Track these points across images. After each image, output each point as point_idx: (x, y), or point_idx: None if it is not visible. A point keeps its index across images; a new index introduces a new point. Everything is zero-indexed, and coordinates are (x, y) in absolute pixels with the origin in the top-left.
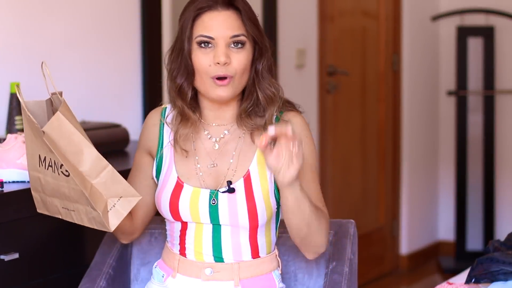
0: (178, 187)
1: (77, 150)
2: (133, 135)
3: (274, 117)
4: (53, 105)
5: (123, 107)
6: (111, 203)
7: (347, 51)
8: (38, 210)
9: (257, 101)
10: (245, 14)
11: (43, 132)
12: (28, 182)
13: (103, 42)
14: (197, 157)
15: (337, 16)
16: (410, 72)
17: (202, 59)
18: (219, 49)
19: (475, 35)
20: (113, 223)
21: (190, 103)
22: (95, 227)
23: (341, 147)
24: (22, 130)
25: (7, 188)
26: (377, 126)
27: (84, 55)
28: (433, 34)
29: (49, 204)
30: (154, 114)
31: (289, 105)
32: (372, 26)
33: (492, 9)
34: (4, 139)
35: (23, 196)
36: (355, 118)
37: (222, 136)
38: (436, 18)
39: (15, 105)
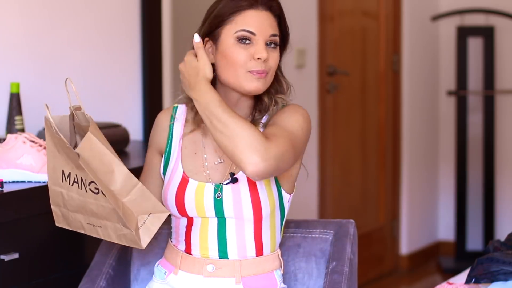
0: (184, 182)
1: (109, 170)
2: (133, 135)
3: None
4: (74, 119)
5: (123, 107)
6: (141, 220)
7: (347, 51)
8: (57, 224)
9: (271, 97)
10: (280, 20)
11: (78, 155)
12: (28, 182)
13: (103, 42)
14: (205, 155)
15: (337, 16)
16: (410, 72)
17: (241, 54)
18: (259, 45)
19: (475, 35)
20: (144, 240)
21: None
22: (125, 244)
23: (341, 147)
24: (22, 130)
25: (7, 188)
26: (377, 126)
27: (84, 55)
28: (433, 34)
29: (71, 219)
30: (165, 112)
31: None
32: (372, 26)
33: (492, 9)
34: (4, 139)
35: (23, 196)
36: (355, 118)
37: None
38: (436, 18)
39: (15, 105)
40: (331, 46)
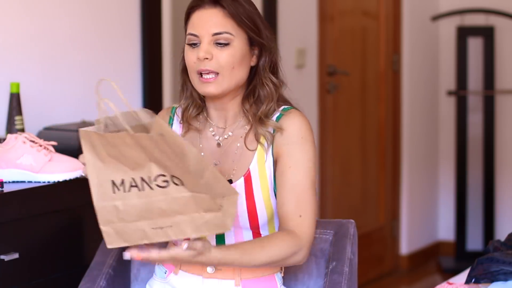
0: None
1: (182, 153)
2: None
3: (276, 115)
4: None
5: (123, 107)
6: (218, 203)
7: (347, 51)
8: (109, 246)
9: (259, 99)
10: (233, 11)
11: (162, 135)
12: (28, 182)
13: (103, 42)
14: (202, 154)
15: (337, 16)
16: (410, 72)
17: (189, 56)
18: (201, 45)
19: (475, 35)
20: (228, 223)
21: (195, 102)
22: (206, 233)
23: (341, 147)
24: (22, 130)
25: (7, 188)
26: (377, 126)
27: (84, 55)
28: (433, 34)
29: (130, 232)
30: (163, 113)
31: (284, 103)
32: (372, 26)
33: (492, 9)
34: (4, 139)
35: (23, 196)
36: (355, 118)
37: (226, 137)
38: (436, 18)
39: (15, 105)
40: (331, 46)
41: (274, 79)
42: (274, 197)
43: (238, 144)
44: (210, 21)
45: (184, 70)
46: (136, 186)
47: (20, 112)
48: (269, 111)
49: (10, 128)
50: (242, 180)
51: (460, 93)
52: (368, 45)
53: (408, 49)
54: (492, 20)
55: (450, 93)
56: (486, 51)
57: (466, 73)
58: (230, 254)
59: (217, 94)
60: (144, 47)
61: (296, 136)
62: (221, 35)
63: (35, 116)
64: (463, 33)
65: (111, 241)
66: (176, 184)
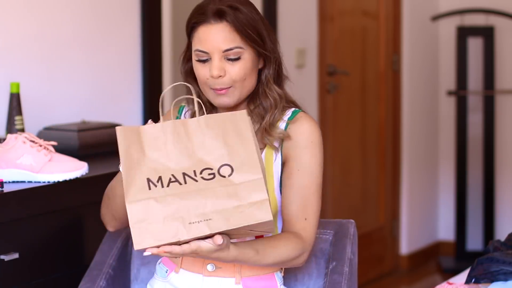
0: None
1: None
2: None
3: (285, 121)
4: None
5: (123, 107)
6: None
7: (347, 51)
8: (137, 247)
9: (262, 106)
10: (239, 25)
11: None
12: (29, 182)
13: (103, 42)
14: None
15: (337, 16)
16: (410, 72)
17: (200, 72)
18: (213, 63)
19: (475, 35)
20: (268, 217)
21: (205, 105)
22: (244, 224)
23: (341, 147)
24: (22, 130)
25: (7, 188)
26: (377, 126)
27: (84, 55)
28: (433, 34)
29: (164, 230)
30: (172, 110)
31: (290, 105)
32: (372, 26)
33: (492, 9)
34: (4, 139)
35: (23, 196)
36: (355, 118)
37: None
38: (436, 18)
39: (15, 105)
40: (331, 46)
41: (277, 89)
42: (279, 193)
43: None
44: (218, 38)
45: (187, 74)
46: (176, 181)
47: (20, 112)
48: (273, 120)
49: (10, 128)
50: None
51: (460, 93)
52: (368, 45)
53: (408, 49)
54: (492, 20)
55: (450, 93)
56: (486, 51)
57: (466, 73)
58: (246, 252)
59: (231, 104)
60: (144, 48)
61: (306, 140)
62: (231, 51)
63: (35, 116)
64: (463, 33)
65: (140, 242)
66: (222, 176)
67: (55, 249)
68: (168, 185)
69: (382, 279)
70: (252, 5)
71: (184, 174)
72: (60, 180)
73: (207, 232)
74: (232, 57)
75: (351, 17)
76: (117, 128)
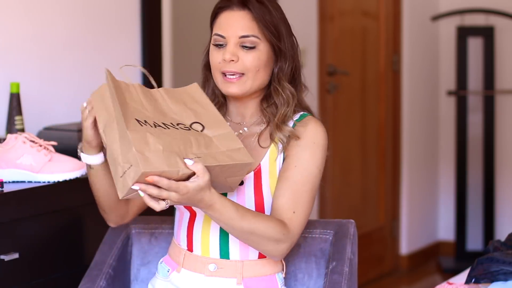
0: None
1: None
2: None
3: (292, 122)
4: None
5: None
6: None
7: (347, 51)
8: (144, 169)
9: (275, 104)
10: (259, 16)
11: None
12: (29, 182)
13: (103, 42)
14: None
15: (337, 16)
16: (410, 72)
17: (214, 56)
18: (228, 47)
19: (475, 35)
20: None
21: (217, 99)
22: (231, 162)
23: (341, 147)
24: (22, 130)
25: (7, 188)
26: (377, 126)
27: (84, 55)
28: (433, 34)
29: (165, 158)
30: None
31: (303, 110)
32: (372, 26)
33: (492, 9)
34: (4, 139)
35: (23, 196)
36: (355, 118)
37: (240, 132)
38: (436, 18)
39: (15, 105)
40: (331, 46)
41: (290, 87)
42: None
43: (252, 141)
44: (237, 23)
45: (206, 67)
46: (160, 126)
47: (20, 112)
48: (285, 117)
49: (10, 128)
50: (252, 174)
51: (460, 93)
52: (368, 45)
53: (408, 49)
54: (492, 20)
55: (450, 93)
56: (486, 51)
57: (466, 73)
58: (226, 204)
59: (239, 94)
60: (144, 48)
61: (309, 141)
62: (247, 38)
63: (35, 116)
64: (463, 33)
65: (146, 165)
66: (196, 131)
67: (55, 249)
68: (155, 127)
69: (382, 279)
70: (278, 6)
71: (163, 123)
72: (60, 180)
73: (217, 162)
74: (247, 45)
75: (351, 17)
76: (108, 71)
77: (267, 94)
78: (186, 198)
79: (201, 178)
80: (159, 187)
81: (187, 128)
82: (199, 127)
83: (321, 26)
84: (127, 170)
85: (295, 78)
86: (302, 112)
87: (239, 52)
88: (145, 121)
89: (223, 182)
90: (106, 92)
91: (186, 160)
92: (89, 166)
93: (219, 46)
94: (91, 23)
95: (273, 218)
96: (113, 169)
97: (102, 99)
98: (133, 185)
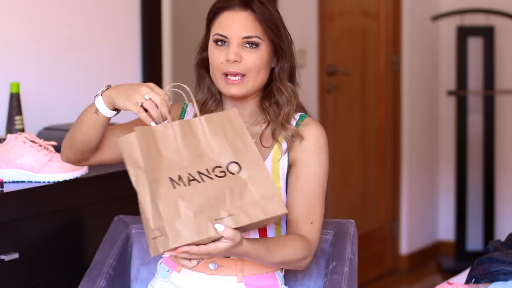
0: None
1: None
2: None
3: (294, 123)
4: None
5: None
6: (270, 191)
7: (347, 51)
8: (173, 245)
9: (278, 103)
10: (262, 16)
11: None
12: (29, 182)
13: (103, 42)
14: None
15: (337, 16)
16: (410, 72)
17: (216, 56)
18: (231, 47)
19: (475, 35)
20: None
21: (214, 96)
22: (263, 217)
23: (341, 147)
24: (22, 130)
25: (7, 188)
26: (377, 126)
27: (85, 55)
28: (433, 34)
29: (196, 226)
30: (175, 105)
31: (299, 110)
32: (372, 26)
33: (492, 9)
34: (4, 139)
35: (23, 196)
36: (355, 118)
37: None
38: (436, 18)
39: (15, 105)
40: (331, 46)
41: (291, 86)
42: (285, 192)
43: (254, 140)
44: (240, 24)
45: (200, 65)
46: (194, 179)
47: (20, 112)
48: (289, 115)
49: (10, 128)
50: None
51: (460, 93)
52: (368, 45)
53: (408, 49)
54: (492, 20)
55: (450, 93)
56: (486, 51)
57: (466, 73)
58: (257, 248)
59: (241, 95)
60: (144, 47)
61: (314, 145)
62: (251, 39)
63: (35, 116)
64: (463, 33)
65: (176, 239)
66: (232, 173)
67: (55, 249)
68: (189, 183)
69: (382, 279)
70: (274, 4)
71: (199, 172)
72: (60, 180)
73: (233, 226)
74: (250, 45)
75: (351, 17)
76: (136, 128)
77: (267, 93)
78: (217, 254)
79: (232, 240)
80: None
81: (223, 174)
82: (236, 168)
83: (321, 26)
84: (158, 237)
85: (293, 76)
86: (300, 113)
87: (242, 53)
88: (180, 177)
89: (255, 226)
90: (135, 146)
91: (217, 226)
92: (95, 110)
93: (220, 46)
94: (91, 23)
95: (297, 238)
96: (144, 223)
97: (130, 150)
98: (163, 253)
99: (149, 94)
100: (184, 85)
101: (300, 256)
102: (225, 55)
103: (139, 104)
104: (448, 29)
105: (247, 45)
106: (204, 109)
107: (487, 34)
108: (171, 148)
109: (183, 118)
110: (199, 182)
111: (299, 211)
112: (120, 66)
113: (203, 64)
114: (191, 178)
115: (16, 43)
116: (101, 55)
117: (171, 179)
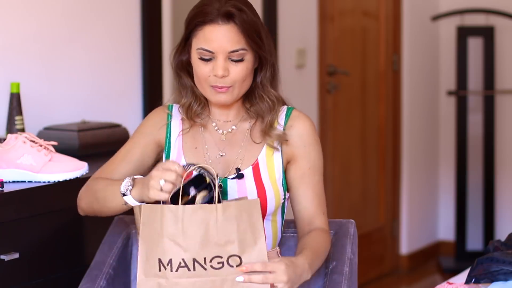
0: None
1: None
2: None
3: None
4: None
5: (123, 107)
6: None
7: (347, 51)
8: None
9: (260, 106)
10: (244, 27)
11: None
12: (29, 182)
13: (103, 42)
14: (206, 146)
15: (337, 16)
16: (410, 72)
17: (202, 69)
18: (218, 62)
19: (475, 35)
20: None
21: (199, 100)
22: None
23: (341, 147)
24: (22, 130)
25: (7, 188)
26: (377, 126)
27: (84, 55)
28: (433, 34)
29: None
30: (161, 110)
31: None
32: (372, 26)
33: (492, 9)
34: (4, 139)
35: (23, 196)
36: (355, 118)
37: (229, 130)
38: (436, 18)
39: (15, 105)
40: (331, 46)
41: (274, 93)
42: (282, 187)
43: (244, 137)
44: (225, 38)
45: (179, 67)
46: (185, 266)
47: (20, 112)
48: (272, 121)
49: (10, 128)
50: (250, 169)
51: (460, 93)
52: (368, 45)
53: (408, 49)
54: (492, 20)
55: (450, 93)
56: (486, 51)
57: (466, 73)
58: (309, 257)
59: (229, 103)
60: (144, 47)
61: (310, 138)
62: (237, 52)
63: (35, 116)
64: (463, 33)
65: None
66: (230, 266)
67: (55, 249)
68: (177, 270)
69: (382, 279)
70: (252, 7)
71: (194, 260)
72: (60, 180)
73: None
74: (236, 58)
75: (351, 17)
76: (143, 206)
77: (248, 94)
78: (291, 280)
79: (277, 269)
80: None
81: (220, 266)
82: (236, 261)
83: (321, 26)
84: None
85: (274, 77)
86: (285, 107)
87: (229, 66)
88: (170, 261)
89: None
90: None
91: (238, 278)
92: (124, 203)
93: (205, 60)
94: (91, 22)
95: (321, 235)
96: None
97: (137, 217)
98: None
99: (162, 176)
100: (210, 167)
101: (328, 248)
102: (212, 69)
103: (159, 190)
104: (448, 29)
105: (233, 59)
106: (189, 112)
107: (487, 34)
108: (174, 230)
109: (169, 122)
110: (189, 270)
111: (312, 208)
112: (120, 66)
113: (184, 67)
114: (182, 264)
115: (16, 42)
116: (101, 55)
117: (160, 261)
